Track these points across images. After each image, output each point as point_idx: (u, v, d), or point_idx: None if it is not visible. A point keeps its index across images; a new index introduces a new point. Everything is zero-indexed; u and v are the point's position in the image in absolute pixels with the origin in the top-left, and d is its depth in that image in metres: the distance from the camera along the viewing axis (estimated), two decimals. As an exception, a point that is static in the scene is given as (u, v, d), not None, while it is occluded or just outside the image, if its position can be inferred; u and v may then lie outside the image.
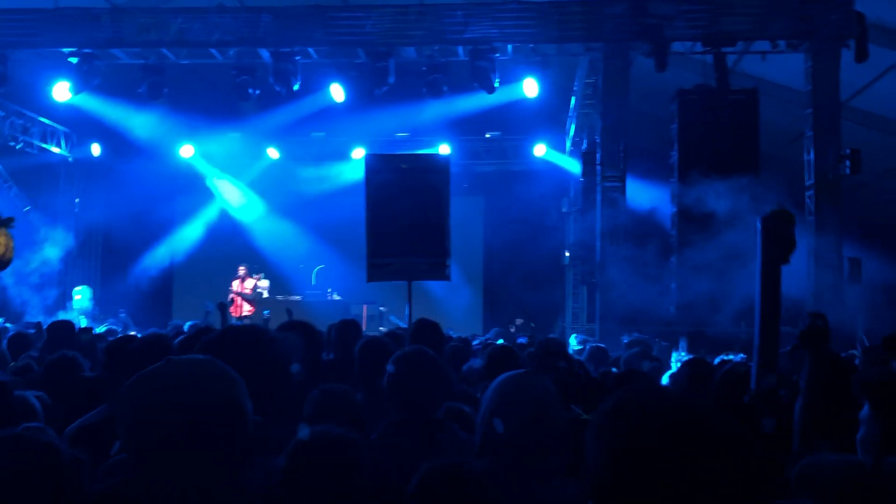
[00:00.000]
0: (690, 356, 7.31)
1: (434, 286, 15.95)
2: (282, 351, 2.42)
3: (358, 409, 3.69)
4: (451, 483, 2.19)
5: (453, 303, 17.73)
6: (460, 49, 13.63)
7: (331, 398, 3.59)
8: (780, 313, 4.70)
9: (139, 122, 18.36)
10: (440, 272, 9.04)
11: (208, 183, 20.56)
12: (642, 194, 15.04)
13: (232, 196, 20.78)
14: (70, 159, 20.18)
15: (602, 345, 8.47)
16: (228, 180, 20.58)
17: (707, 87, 12.79)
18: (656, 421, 1.43)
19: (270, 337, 2.58)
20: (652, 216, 14.73)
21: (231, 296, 17.34)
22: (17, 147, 18.43)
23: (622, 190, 12.74)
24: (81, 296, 17.77)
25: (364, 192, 9.52)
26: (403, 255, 8.94)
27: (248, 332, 2.56)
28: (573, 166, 18.78)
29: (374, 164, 9.94)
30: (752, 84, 13.20)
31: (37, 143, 18.88)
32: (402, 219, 8.97)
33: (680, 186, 12.31)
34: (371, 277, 9.73)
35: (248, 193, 20.74)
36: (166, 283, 21.04)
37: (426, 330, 5.76)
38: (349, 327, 6.13)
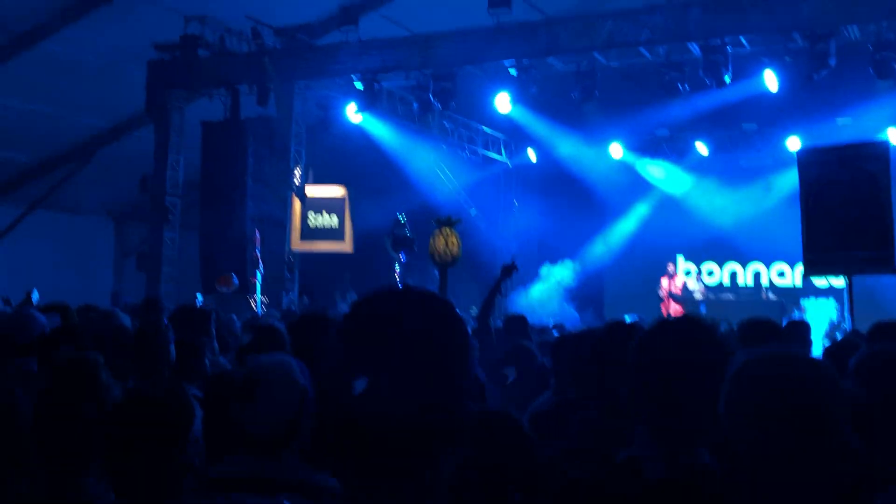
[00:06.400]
0: None
1: (879, 284, 14.40)
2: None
3: None
4: None
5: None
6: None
7: None
8: None
9: (570, 127, 19.14)
10: (884, 265, 8.55)
11: (643, 174, 20.56)
12: None
13: (670, 184, 20.63)
14: (509, 165, 21.72)
15: None
16: (663, 167, 20.49)
17: None
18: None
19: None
20: None
21: (661, 293, 17.19)
22: (464, 155, 20.29)
23: None
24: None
25: (798, 187, 9.29)
26: (842, 249, 8.71)
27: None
28: None
29: (808, 158, 9.70)
30: None
31: (480, 150, 20.60)
32: (839, 212, 8.76)
33: None
34: (808, 272, 9.51)
35: (684, 178, 20.37)
36: (597, 282, 21.28)
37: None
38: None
